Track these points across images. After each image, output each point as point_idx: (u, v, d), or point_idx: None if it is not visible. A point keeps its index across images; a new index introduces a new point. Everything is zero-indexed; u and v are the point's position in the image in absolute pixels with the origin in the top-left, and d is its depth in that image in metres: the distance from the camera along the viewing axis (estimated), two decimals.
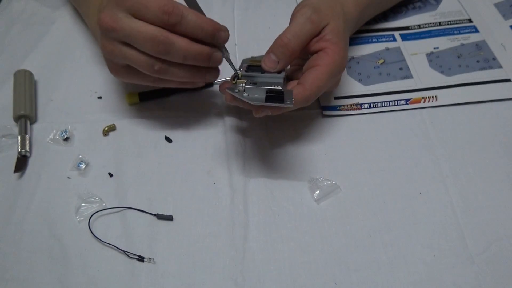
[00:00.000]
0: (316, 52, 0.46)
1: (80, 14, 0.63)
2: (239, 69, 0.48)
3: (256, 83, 0.45)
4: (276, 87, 0.42)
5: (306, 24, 0.46)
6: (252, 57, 0.53)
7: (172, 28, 0.43)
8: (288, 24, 0.47)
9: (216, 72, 0.49)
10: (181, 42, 0.43)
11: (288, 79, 0.48)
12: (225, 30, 0.45)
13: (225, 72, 0.59)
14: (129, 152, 0.52)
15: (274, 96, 0.41)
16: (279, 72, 0.46)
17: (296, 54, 0.46)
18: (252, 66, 0.48)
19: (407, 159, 0.51)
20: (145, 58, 0.44)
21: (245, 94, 0.42)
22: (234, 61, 0.60)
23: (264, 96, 0.42)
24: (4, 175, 0.50)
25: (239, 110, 0.55)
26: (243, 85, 0.43)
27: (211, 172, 0.50)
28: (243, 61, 0.51)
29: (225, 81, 0.48)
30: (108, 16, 0.43)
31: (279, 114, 0.45)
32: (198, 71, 0.47)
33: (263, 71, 0.46)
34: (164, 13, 0.42)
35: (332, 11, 0.48)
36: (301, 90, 0.44)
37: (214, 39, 0.45)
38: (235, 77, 0.47)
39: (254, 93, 0.42)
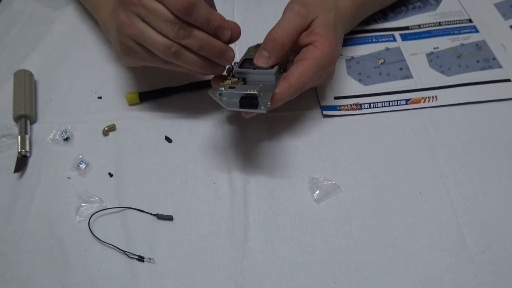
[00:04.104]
0: (306, 45, 0.47)
1: (87, 9, 0.63)
2: (235, 64, 0.48)
3: (244, 82, 0.46)
4: (251, 92, 0.42)
5: (294, 18, 0.46)
6: (257, 44, 0.52)
7: (184, 17, 0.43)
8: None
9: (225, 67, 0.50)
10: (199, 32, 0.44)
11: (285, 71, 0.48)
12: (228, 28, 0.46)
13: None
14: (129, 152, 0.52)
15: (248, 102, 0.42)
16: (272, 67, 0.46)
17: (287, 48, 0.46)
18: (248, 60, 0.48)
19: (407, 159, 0.51)
20: (163, 39, 0.44)
21: (224, 98, 0.43)
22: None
23: (238, 102, 0.42)
24: (4, 175, 0.50)
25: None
26: (222, 89, 0.43)
27: (211, 172, 0.50)
28: (249, 49, 0.52)
29: (216, 76, 0.49)
30: None
31: (273, 113, 0.45)
32: (210, 63, 0.47)
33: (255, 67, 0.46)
34: (182, 4, 0.42)
35: (322, 5, 0.48)
36: (286, 85, 0.44)
37: (216, 34, 0.45)
38: (230, 72, 0.48)
39: (231, 98, 0.43)
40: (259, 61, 0.46)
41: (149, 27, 0.44)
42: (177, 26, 0.43)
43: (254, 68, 0.46)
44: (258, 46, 0.52)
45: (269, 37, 0.46)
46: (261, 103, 0.42)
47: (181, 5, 0.42)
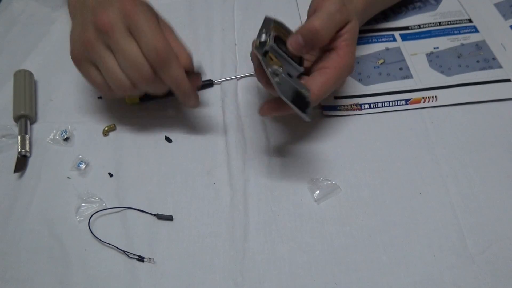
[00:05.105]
0: (329, 48, 0.45)
1: None
2: (266, 33, 0.44)
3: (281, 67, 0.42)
4: (305, 93, 0.40)
5: (336, 15, 0.43)
6: (275, 20, 0.47)
7: (156, 66, 0.43)
8: (287, 24, 0.47)
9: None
10: (161, 84, 0.44)
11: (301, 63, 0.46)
12: (196, 98, 0.47)
13: (227, 72, 0.59)
14: (129, 152, 0.52)
15: (300, 102, 0.40)
16: (300, 63, 0.44)
17: (323, 44, 0.44)
18: (279, 39, 0.44)
19: (407, 159, 0.51)
20: (122, 77, 0.43)
21: (276, 79, 0.40)
22: (234, 61, 0.60)
23: (291, 95, 0.40)
24: (4, 175, 0.50)
25: (239, 110, 0.55)
26: (277, 68, 0.40)
27: (211, 172, 0.50)
28: (267, 20, 0.47)
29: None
30: (107, 19, 0.42)
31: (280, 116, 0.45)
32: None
33: (286, 51, 0.43)
34: (155, 52, 0.42)
35: (352, 8, 0.46)
36: (308, 89, 0.43)
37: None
38: (264, 49, 0.42)
39: (285, 87, 0.40)
40: (293, 46, 0.43)
41: (113, 59, 0.43)
42: (142, 76, 0.43)
43: (287, 55, 0.43)
44: (277, 23, 0.47)
45: (310, 27, 0.42)
46: (308, 111, 0.40)
47: (157, 55, 0.42)
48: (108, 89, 0.46)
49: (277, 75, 0.40)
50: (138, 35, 0.42)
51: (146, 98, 0.56)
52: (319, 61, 0.46)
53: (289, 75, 0.42)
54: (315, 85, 0.43)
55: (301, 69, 0.44)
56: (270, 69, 0.40)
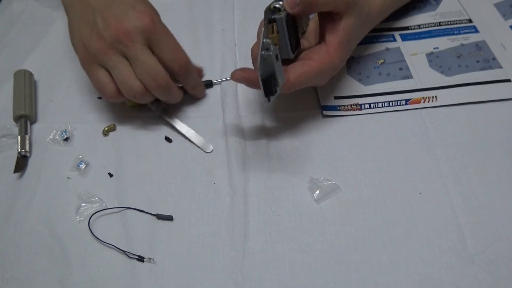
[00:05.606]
0: (322, 37, 0.45)
1: None
2: (278, 4, 0.43)
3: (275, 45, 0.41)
4: (279, 81, 0.40)
5: None
6: None
7: (178, 78, 0.50)
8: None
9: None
10: (176, 94, 0.51)
11: (298, 43, 0.47)
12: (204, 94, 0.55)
13: (227, 72, 0.60)
14: (129, 152, 0.52)
15: (270, 85, 0.40)
16: (295, 50, 0.45)
17: (315, 7, 0.43)
18: (290, 19, 0.43)
19: (407, 159, 0.51)
20: (136, 82, 0.46)
21: (264, 53, 0.39)
22: (234, 61, 0.60)
23: (266, 75, 0.40)
24: (4, 175, 0.50)
25: (239, 110, 0.55)
26: (273, 47, 0.39)
27: (211, 172, 0.50)
28: None
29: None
30: (127, 32, 0.45)
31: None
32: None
33: (290, 33, 0.43)
34: (178, 64, 0.48)
35: (360, 5, 0.45)
36: (284, 78, 0.43)
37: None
38: (274, 16, 0.42)
39: (267, 64, 0.40)
40: (288, 3, 0.42)
41: (129, 66, 0.46)
42: (158, 86, 0.47)
43: (289, 35, 0.43)
44: None
45: None
46: (272, 97, 0.41)
47: (180, 67, 0.48)
48: (115, 91, 0.48)
49: (267, 49, 0.40)
50: (160, 49, 0.47)
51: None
52: (308, 52, 0.46)
53: (277, 56, 0.41)
54: (294, 73, 0.44)
55: (292, 55, 0.44)
56: (265, 40, 0.40)
